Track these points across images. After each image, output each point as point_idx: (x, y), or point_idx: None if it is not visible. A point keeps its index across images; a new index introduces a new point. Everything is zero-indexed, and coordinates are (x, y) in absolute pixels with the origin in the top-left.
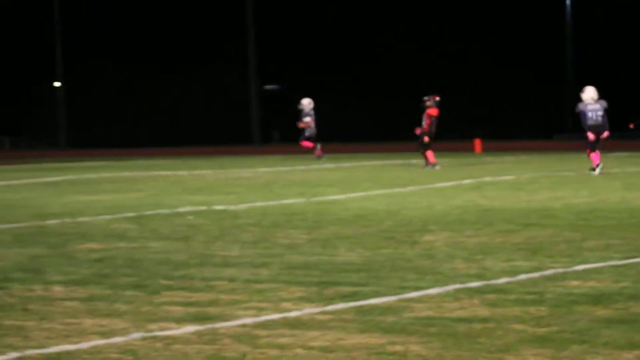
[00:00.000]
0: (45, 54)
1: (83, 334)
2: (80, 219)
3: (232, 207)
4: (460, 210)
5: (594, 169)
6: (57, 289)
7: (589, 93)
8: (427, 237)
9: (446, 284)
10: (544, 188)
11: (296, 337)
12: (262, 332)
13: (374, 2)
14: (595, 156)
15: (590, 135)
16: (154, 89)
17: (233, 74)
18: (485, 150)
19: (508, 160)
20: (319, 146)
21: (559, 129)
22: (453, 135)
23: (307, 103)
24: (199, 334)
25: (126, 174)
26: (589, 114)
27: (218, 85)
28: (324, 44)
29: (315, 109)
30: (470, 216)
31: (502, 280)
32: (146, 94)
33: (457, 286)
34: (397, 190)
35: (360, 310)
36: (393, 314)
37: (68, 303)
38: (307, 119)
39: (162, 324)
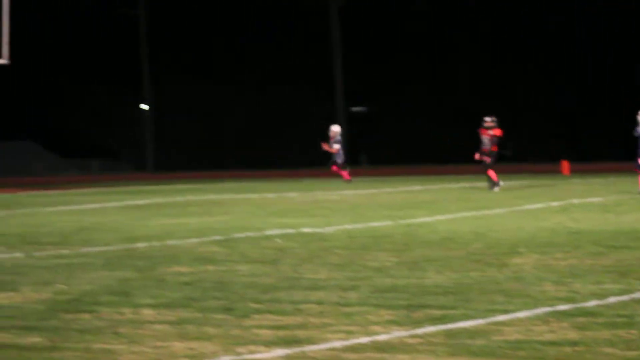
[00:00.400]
0: (133, 76)
1: (173, 357)
2: (169, 242)
3: (319, 230)
4: (548, 233)
5: None
6: (147, 312)
7: None
8: (516, 260)
9: (535, 307)
10: (633, 210)
11: None
12: (351, 356)
13: (456, 24)
14: None
15: None
16: (240, 111)
17: (319, 95)
18: (573, 172)
19: (596, 182)
20: (347, 170)
21: None
22: (541, 157)
23: (337, 130)
24: (288, 357)
25: (213, 196)
26: None
27: (304, 107)
28: (408, 65)
29: (402, 130)
30: (558, 238)
31: (592, 303)
32: (232, 116)
33: (546, 309)
34: (485, 212)
35: (449, 333)
36: (482, 337)
37: (158, 326)
38: (337, 146)
39: (251, 347)
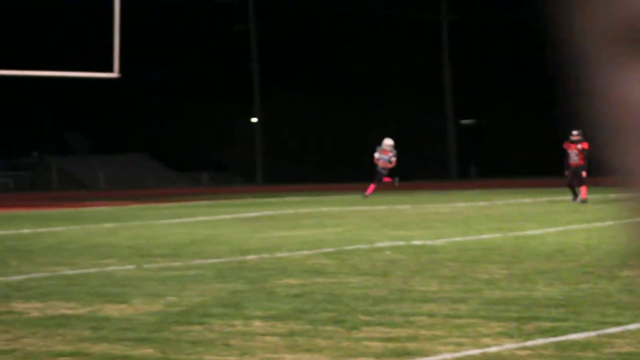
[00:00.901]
0: (245, 91)
1: None
2: (279, 254)
3: (430, 242)
4: None
5: None
6: (257, 324)
7: None
8: (627, 272)
9: None
10: None
11: None
12: None
13: None
14: None
15: None
16: (350, 123)
17: (429, 107)
18: None
19: None
20: (373, 186)
21: None
22: None
23: (391, 143)
24: None
25: (324, 209)
26: None
27: (413, 119)
28: (518, 78)
29: (512, 142)
30: None
31: None
32: (341, 129)
33: None
34: (596, 224)
35: (559, 345)
36: (593, 350)
37: (268, 338)
38: (393, 159)
39: (362, 359)
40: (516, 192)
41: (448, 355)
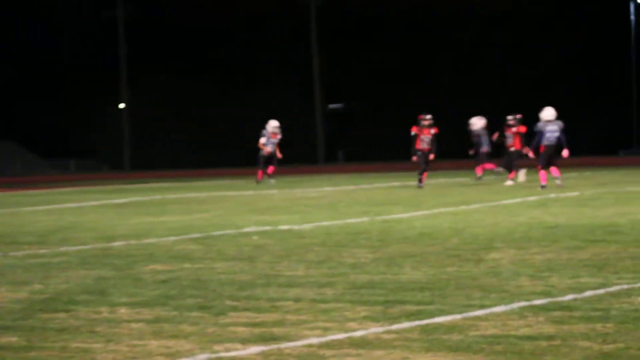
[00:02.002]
0: (111, 75)
1: (149, 356)
2: (146, 241)
3: (297, 227)
4: (525, 228)
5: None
6: (123, 311)
7: (548, 113)
8: (493, 255)
9: (512, 301)
10: (609, 204)
11: (361, 357)
12: (327, 352)
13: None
14: (544, 174)
15: (544, 154)
16: (217, 109)
17: (297, 92)
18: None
19: (572, 176)
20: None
21: (624, 145)
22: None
23: (277, 124)
24: (264, 354)
25: (192, 195)
26: (547, 134)
27: (282, 104)
28: (388, 60)
29: (380, 126)
30: (535, 233)
31: (568, 297)
32: (209, 114)
33: (523, 304)
34: (462, 208)
35: (425, 329)
36: (458, 333)
37: (134, 325)
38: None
39: (228, 345)
40: (383, 176)
41: (314, 340)
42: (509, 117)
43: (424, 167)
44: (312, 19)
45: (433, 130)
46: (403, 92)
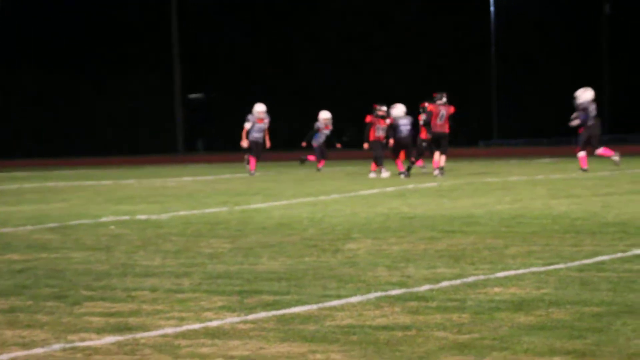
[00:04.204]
0: None
1: (3, 346)
2: (2, 230)
3: (155, 217)
4: (383, 218)
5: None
6: None
7: (400, 109)
8: (350, 245)
9: (368, 291)
10: (467, 195)
11: (217, 347)
12: (183, 342)
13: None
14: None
15: (398, 146)
16: (78, 99)
17: (157, 82)
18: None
19: (431, 167)
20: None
21: (484, 136)
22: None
23: (264, 109)
24: (119, 344)
25: (50, 184)
26: (401, 128)
27: (142, 94)
28: (248, 51)
29: (242, 116)
30: (393, 224)
31: (424, 287)
32: (69, 104)
33: (379, 294)
34: (321, 198)
35: (281, 319)
36: (314, 323)
37: None
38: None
39: (83, 335)
40: (243, 167)
41: (170, 330)
42: (378, 107)
43: (382, 153)
44: (173, 9)
45: (388, 120)
46: (263, 83)
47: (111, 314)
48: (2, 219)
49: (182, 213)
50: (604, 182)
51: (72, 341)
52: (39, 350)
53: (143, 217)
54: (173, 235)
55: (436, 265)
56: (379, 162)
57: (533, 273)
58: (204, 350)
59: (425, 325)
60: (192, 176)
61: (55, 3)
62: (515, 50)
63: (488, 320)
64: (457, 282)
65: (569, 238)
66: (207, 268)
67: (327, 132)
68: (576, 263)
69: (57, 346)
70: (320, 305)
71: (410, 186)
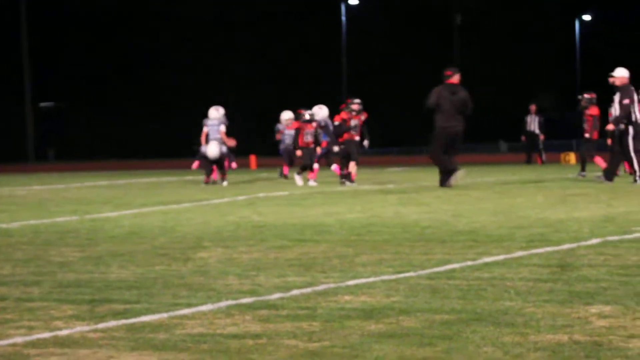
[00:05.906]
0: None
1: None
2: None
3: (4, 226)
4: (234, 227)
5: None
6: None
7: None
8: (201, 254)
9: (219, 300)
10: (318, 204)
11: (67, 356)
12: (32, 351)
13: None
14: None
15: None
16: None
17: (6, 90)
18: (260, 166)
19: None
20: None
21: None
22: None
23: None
24: None
25: None
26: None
27: None
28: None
29: (92, 125)
30: (244, 232)
31: (275, 295)
32: None
33: (230, 302)
34: (172, 206)
35: (131, 327)
36: (165, 331)
37: None
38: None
39: None
40: (94, 175)
41: (19, 339)
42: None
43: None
44: (23, 18)
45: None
46: (113, 92)
47: None
48: None
49: (32, 222)
50: (454, 192)
51: None
52: None
53: None
54: (23, 244)
55: (287, 273)
56: (308, 168)
57: (383, 281)
58: (54, 359)
59: (275, 333)
60: (43, 185)
61: None
62: (367, 60)
63: (339, 328)
64: (308, 290)
65: (420, 246)
66: (57, 277)
67: (290, 132)
68: (427, 271)
69: None
70: (171, 313)
71: (261, 194)
